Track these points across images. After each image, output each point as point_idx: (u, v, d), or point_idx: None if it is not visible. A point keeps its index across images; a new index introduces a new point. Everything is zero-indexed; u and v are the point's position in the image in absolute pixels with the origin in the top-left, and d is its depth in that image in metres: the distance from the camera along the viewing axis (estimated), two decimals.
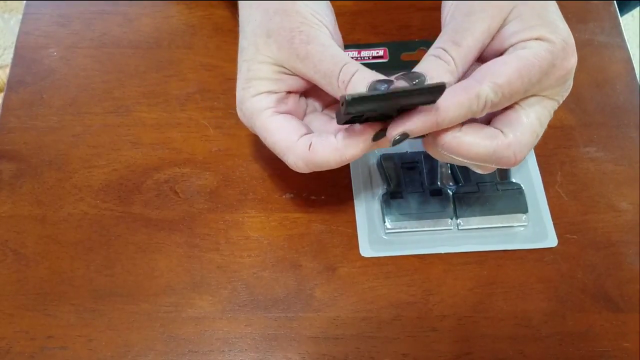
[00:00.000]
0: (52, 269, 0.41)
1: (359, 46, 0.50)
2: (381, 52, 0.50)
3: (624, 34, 0.51)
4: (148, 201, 0.44)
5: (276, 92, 0.37)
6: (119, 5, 0.52)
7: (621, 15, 0.52)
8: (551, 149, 0.46)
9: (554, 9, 0.36)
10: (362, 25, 0.51)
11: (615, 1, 0.52)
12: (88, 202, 0.44)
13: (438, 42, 0.35)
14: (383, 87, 0.32)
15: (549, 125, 0.47)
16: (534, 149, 0.46)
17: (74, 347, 0.39)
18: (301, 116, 0.39)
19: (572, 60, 0.35)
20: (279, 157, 0.38)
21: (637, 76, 0.49)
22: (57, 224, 0.43)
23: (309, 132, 0.37)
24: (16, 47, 0.50)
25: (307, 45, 0.35)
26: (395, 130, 0.33)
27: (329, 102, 0.40)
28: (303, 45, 0.35)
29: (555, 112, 0.48)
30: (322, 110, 0.41)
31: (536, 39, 0.34)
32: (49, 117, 0.47)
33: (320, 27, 0.36)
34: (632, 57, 0.50)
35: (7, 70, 0.49)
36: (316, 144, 0.35)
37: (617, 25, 0.51)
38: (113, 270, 0.41)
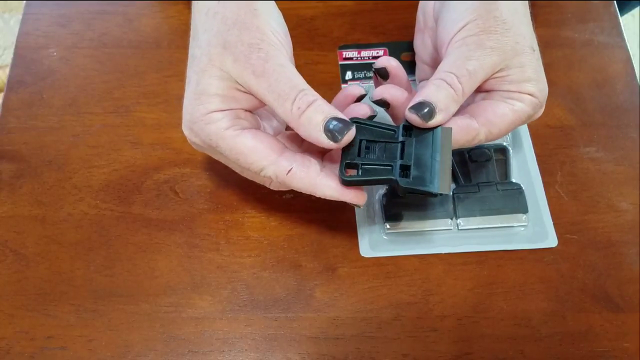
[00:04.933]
0: (52, 269, 0.41)
1: (359, 46, 0.50)
2: (381, 52, 0.50)
3: (624, 34, 0.51)
4: (148, 201, 0.44)
5: (228, 110, 0.35)
6: (119, 5, 0.52)
7: (621, 15, 0.52)
8: (551, 149, 0.46)
9: (540, 63, 0.38)
10: (362, 25, 0.51)
11: (615, 1, 0.52)
12: (88, 202, 0.44)
13: (449, 67, 0.36)
14: (334, 125, 0.34)
15: (549, 125, 0.47)
16: (534, 149, 0.46)
17: (74, 347, 0.39)
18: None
19: (541, 112, 0.39)
20: (249, 175, 0.38)
21: (637, 76, 0.49)
22: (57, 224, 0.43)
23: (285, 148, 0.36)
24: (16, 47, 0.50)
25: (265, 62, 0.34)
26: None
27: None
28: (261, 62, 0.34)
29: (555, 112, 0.48)
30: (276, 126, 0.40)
31: (529, 94, 0.37)
32: (48, 117, 0.47)
33: (278, 47, 0.35)
34: (632, 57, 0.50)
35: (7, 70, 0.49)
36: (296, 171, 0.35)
37: (617, 25, 0.51)
38: (113, 271, 0.41)
